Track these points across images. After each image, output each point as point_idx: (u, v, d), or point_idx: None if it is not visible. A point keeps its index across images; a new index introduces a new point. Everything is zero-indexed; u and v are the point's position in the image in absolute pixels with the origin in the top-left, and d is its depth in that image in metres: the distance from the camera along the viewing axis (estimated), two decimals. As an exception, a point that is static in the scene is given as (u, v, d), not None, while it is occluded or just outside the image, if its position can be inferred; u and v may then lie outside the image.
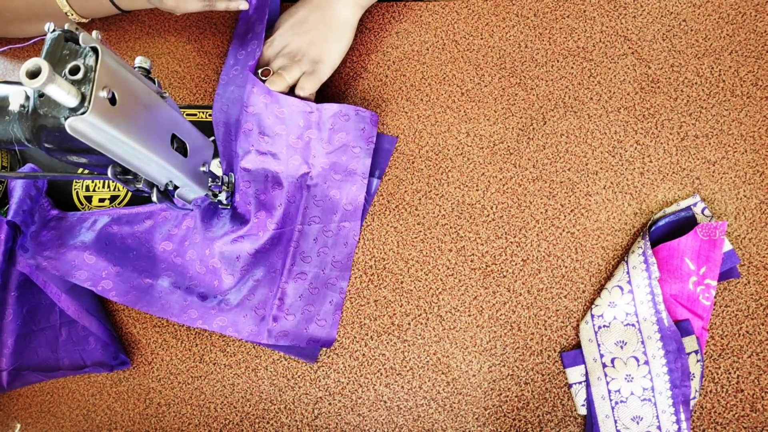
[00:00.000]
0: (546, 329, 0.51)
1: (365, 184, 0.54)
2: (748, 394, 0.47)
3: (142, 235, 0.54)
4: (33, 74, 0.29)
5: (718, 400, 0.47)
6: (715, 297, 0.49)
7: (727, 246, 0.49)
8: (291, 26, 0.54)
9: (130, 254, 0.53)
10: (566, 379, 0.49)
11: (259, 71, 0.53)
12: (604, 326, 0.49)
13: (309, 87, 0.52)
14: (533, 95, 0.56)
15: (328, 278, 0.53)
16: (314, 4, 0.54)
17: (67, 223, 0.54)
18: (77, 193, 0.57)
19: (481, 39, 0.59)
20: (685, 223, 0.50)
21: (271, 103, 0.52)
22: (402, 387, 0.51)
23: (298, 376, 0.52)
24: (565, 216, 0.53)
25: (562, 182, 0.54)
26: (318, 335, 0.52)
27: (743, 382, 0.47)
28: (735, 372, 0.48)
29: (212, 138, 0.50)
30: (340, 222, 0.53)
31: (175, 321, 0.52)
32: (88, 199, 0.57)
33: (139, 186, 0.41)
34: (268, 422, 0.52)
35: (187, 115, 0.59)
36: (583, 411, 0.48)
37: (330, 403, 0.51)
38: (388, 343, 0.52)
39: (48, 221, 0.54)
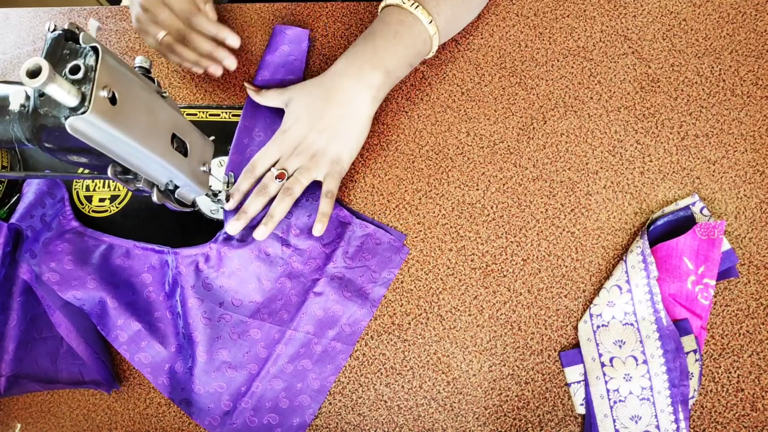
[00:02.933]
0: (546, 329, 0.51)
1: (373, 312, 0.52)
2: (749, 393, 0.47)
3: (146, 278, 0.53)
4: (33, 74, 0.29)
5: (718, 400, 0.47)
6: (713, 296, 0.49)
7: (726, 245, 0.49)
8: (308, 120, 0.51)
9: (130, 293, 0.52)
10: (566, 378, 0.50)
11: (275, 171, 0.51)
12: (603, 325, 0.49)
13: (335, 187, 0.51)
14: (533, 95, 0.56)
15: (300, 394, 0.51)
16: (332, 98, 0.51)
17: (82, 241, 0.53)
18: (77, 192, 0.57)
19: (481, 38, 0.59)
20: (684, 223, 0.50)
21: (316, 202, 0.53)
22: (402, 386, 0.51)
23: (299, 376, 0.52)
24: (565, 215, 0.53)
25: (562, 182, 0.54)
26: None
27: (743, 382, 0.47)
28: (735, 371, 0.48)
29: (212, 137, 0.50)
30: (333, 340, 0.51)
31: (148, 379, 0.51)
32: (89, 198, 0.57)
33: (139, 185, 0.41)
34: (268, 422, 0.52)
35: (187, 114, 0.59)
36: (581, 410, 0.48)
37: (330, 403, 0.51)
38: (388, 342, 0.52)
39: (65, 232, 0.53)
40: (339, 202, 0.55)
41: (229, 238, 0.52)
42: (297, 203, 0.54)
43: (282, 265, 0.52)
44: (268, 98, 0.54)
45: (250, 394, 0.51)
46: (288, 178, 0.51)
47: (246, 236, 0.53)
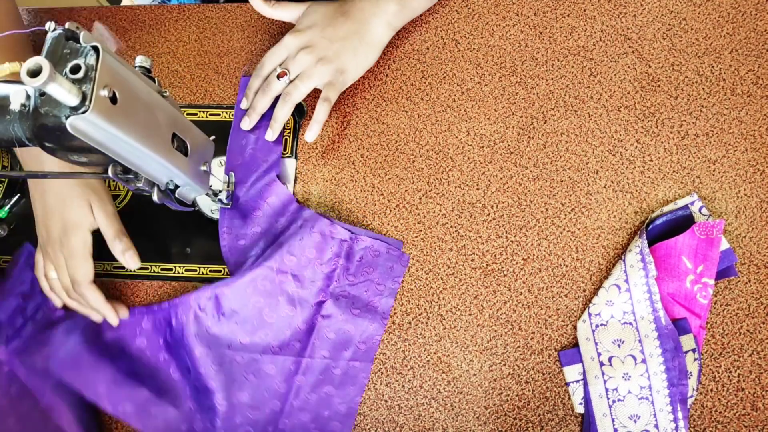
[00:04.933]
0: (546, 328, 0.51)
1: (384, 325, 0.51)
2: (749, 392, 0.47)
3: (141, 342, 0.51)
4: (34, 73, 0.29)
5: (718, 399, 0.47)
6: (712, 295, 0.49)
7: (725, 245, 0.49)
8: (323, 28, 0.52)
9: (129, 362, 0.51)
10: (565, 377, 0.50)
11: (278, 70, 0.51)
12: (602, 325, 0.49)
13: (333, 96, 0.51)
14: (533, 94, 0.56)
15: (329, 421, 0.49)
16: (350, 15, 0.53)
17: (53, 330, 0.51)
18: (77, 192, 0.57)
19: (482, 38, 0.59)
20: (683, 222, 0.50)
21: (306, 225, 0.51)
22: (403, 386, 0.51)
23: (299, 375, 0.52)
24: (565, 215, 0.53)
25: (562, 181, 0.54)
26: None
27: (744, 381, 0.48)
28: (735, 371, 0.48)
29: (212, 137, 0.50)
30: (351, 360, 0.50)
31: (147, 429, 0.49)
32: (89, 198, 0.57)
33: (140, 185, 0.41)
34: (268, 421, 0.52)
35: (188, 114, 0.59)
36: (580, 409, 0.48)
37: (331, 402, 0.51)
38: (388, 342, 0.52)
39: (52, 323, 0.51)
40: (331, 219, 0.53)
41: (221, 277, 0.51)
42: (287, 230, 0.52)
43: (281, 293, 0.51)
44: (281, 10, 0.54)
45: (272, 429, 0.49)
46: (291, 80, 0.51)
47: (237, 271, 0.51)
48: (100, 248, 0.56)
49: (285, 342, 0.50)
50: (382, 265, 0.52)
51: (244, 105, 0.54)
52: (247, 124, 0.53)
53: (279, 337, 0.50)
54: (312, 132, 0.51)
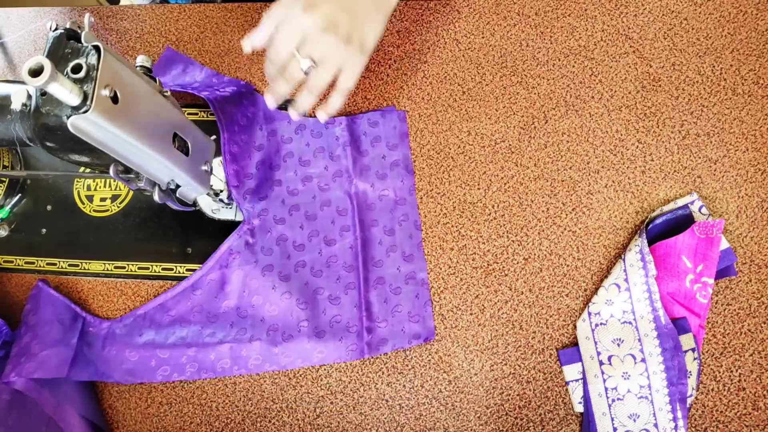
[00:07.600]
0: (548, 328, 0.51)
1: (411, 176, 0.55)
2: (750, 392, 0.47)
3: (198, 306, 0.54)
4: (35, 72, 0.29)
5: (720, 399, 0.47)
6: (712, 295, 0.49)
7: (724, 244, 0.49)
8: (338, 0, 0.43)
9: (197, 327, 0.53)
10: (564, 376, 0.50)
11: (302, 63, 0.43)
12: (601, 324, 0.49)
13: (353, 84, 0.45)
14: (534, 94, 0.56)
15: (405, 274, 0.53)
16: None
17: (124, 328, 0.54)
18: (78, 192, 0.57)
19: (482, 38, 0.59)
20: (683, 221, 0.50)
21: (300, 128, 0.57)
22: (404, 386, 0.51)
23: (300, 375, 0.52)
24: (566, 214, 0.53)
25: (563, 181, 0.54)
26: (417, 331, 0.51)
27: (745, 381, 0.48)
28: (737, 370, 0.48)
29: (213, 137, 0.50)
30: (398, 218, 0.54)
31: (275, 369, 0.52)
32: (90, 198, 0.57)
33: (141, 185, 0.41)
34: (270, 421, 0.52)
35: (188, 114, 0.59)
36: (579, 408, 0.48)
37: (332, 402, 0.51)
38: (389, 341, 0.52)
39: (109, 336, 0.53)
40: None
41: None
42: (287, 141, 0.57)
43: (312, 192, 0.56)
44: (269, 17, 0.44)
45: (365, 306, 0.52)
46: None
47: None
48: (99, 247, 0.56)
49: (334, 231, 0.54)
50: (384, 129, 0.56)
51: (271, 105, 0.47)
52: (272, 102, 0.46)
53: (326, 228, 0.54)
54: (326, 112, 0.46)
